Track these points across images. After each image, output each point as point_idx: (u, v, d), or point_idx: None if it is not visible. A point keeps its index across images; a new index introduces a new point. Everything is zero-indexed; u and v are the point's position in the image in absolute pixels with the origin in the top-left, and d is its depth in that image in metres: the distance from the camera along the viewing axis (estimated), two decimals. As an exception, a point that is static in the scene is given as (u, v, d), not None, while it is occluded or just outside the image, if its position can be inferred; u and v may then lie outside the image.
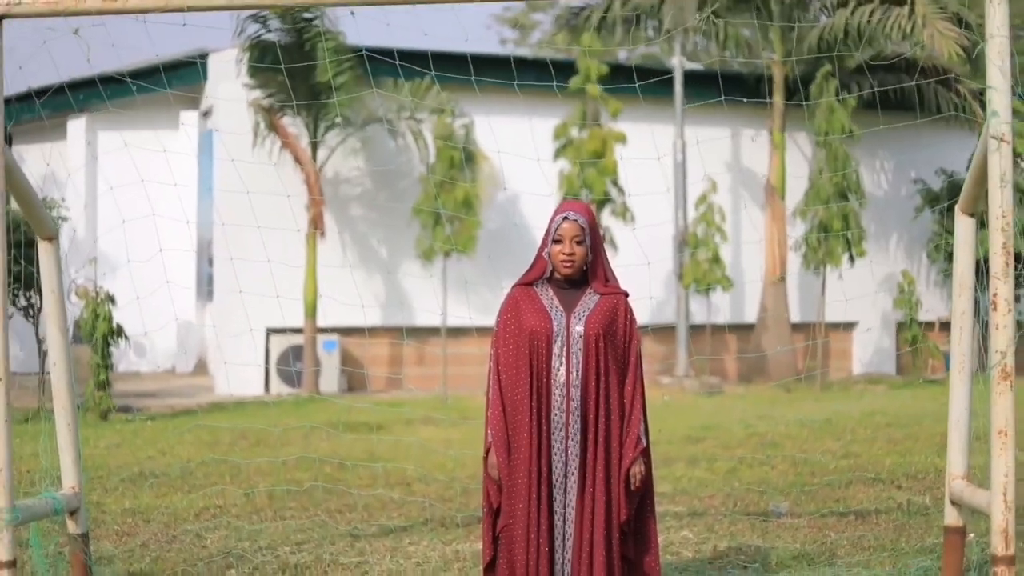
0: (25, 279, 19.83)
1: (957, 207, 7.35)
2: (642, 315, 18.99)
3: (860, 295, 24.52)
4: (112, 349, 19.41)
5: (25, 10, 6.48)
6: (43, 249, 7.19)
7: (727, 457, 13.15)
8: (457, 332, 22.20)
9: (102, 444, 15.09)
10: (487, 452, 5.82)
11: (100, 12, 6.44)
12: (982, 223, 16.63)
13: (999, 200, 6.26)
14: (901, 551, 8.07)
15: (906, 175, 27.00)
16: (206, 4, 6.67)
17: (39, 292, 19.44)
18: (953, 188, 25.28)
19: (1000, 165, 6.25)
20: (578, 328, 5.80)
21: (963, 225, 7.29)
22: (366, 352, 24.51)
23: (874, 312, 25.82)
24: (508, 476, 5.72)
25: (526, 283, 5.96)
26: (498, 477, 5.76)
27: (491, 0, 6.65)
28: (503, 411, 5.80)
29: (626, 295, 6.02)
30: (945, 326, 26.75)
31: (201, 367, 26.84)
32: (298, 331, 23.06)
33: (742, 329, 25.36)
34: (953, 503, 7.15)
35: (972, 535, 8.27)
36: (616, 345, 5.88)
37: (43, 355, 20.64)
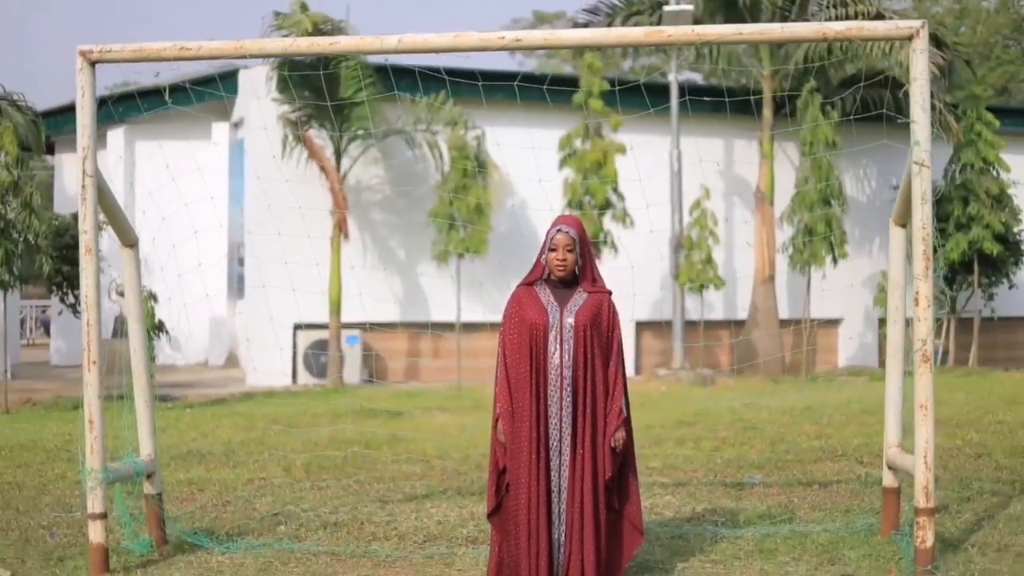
0: (76, 279, 20.78)
1: (891, 219, 8.37)
2: (641, 312, 20.13)
3: (840, 293, 25.48)
4: (153, 343, 20.25)
5: (114, 56, 7.56)
6: (125, 255, 8.27)
7: (712, 438, 14.09)
8: (470, 327, 22.86)
9: (124, 439, 16.05)
10: (496, 421, 6.90)
11: (177, 58, 7.51)
12: (958, 228, 18.00)
13: (920, 215, 7.30)
14: (852, 511, 9.08)
15: (888, 182, 27.72)
16: (262, 51, 7.76)
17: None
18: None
19: (921, 186, 7.30)
20: (569, 320, 6.88)
21: (895, 235, 8.31)
22: (386, 346, 25.07)
23: (858, 309, 26.59)
24: (513, 440, 6.81)
25: (527, 283, 7.06)
26: (505, 441, 6.84)
27: (502, 49, 7.60)
28: (509, 387, 6.89)
29: (610, 293, 7.10)
30: (924, 322, 27.70)
31: (232, 360, 27.59)
32: (323, 327, 23.63)
33: (735, 325, 26.07)
34: (889, 467, 8.22)
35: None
36: (601, 334, 6.95)
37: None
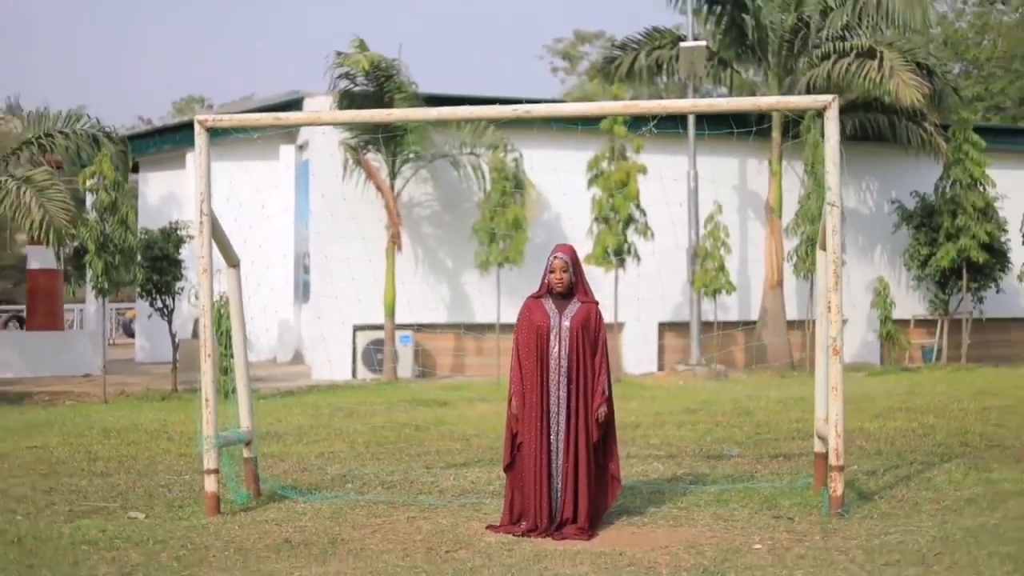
0: (162, 286, 22.67)
1: (817, 244, 10.28)
2: (663, 314, 22.24)
3: (845, 296, 27.11)
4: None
5: (224, 124, 9.63)
6: (229, 274, 10.32)
7: (709, 422, 15.92)
8: (509, 328, 24.25)
9: (228, 414, 17.94)
10: (510, 398, 8.92)
11: (272, 126, 9.56)
12: (948, 238, 20.01)
13: (831, 243, 9.25)
14: (800, 475, 11.01)
15: (888, 195, 29.33)
16: (335, 120, 9.78)
17: (172, 295, 22.47)
18: (925, 208, 27.98)
19: (831, 221, 9.24)
20: (566, 323, 8.89)
21: (821, 257, 10.16)
22: (435, 344, 26.60)
23: (861, 311, 28.19)
24: (522, 412, 8.82)
25: (535, 296, 9.08)
26: (516, 412, 8.86)
27: (517, 118, 9.55)
28: (520, 373, 8.90)
29: (596, 303, 9.10)
30: (919, 323, 29.40)
31: (297, 358, 29.31)
32: (379, 327, 25.22)
33: (747, 325, 27.71)
34: (818, 437, 10.16)
35: (855, 467, 11.33)
36: (589, 334, 8.94)
37: (175, 346, 23.49)
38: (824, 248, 9.79)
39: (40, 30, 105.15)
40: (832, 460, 9.19)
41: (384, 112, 9.36)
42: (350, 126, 24.55)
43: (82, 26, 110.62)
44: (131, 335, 40.87)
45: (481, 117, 9.34)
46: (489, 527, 8.85)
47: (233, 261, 10.31)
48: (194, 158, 9.66)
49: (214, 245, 9.94)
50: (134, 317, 40.00)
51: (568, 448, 8.79)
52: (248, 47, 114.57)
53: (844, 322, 9.51)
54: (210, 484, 9.51)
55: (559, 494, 8.77)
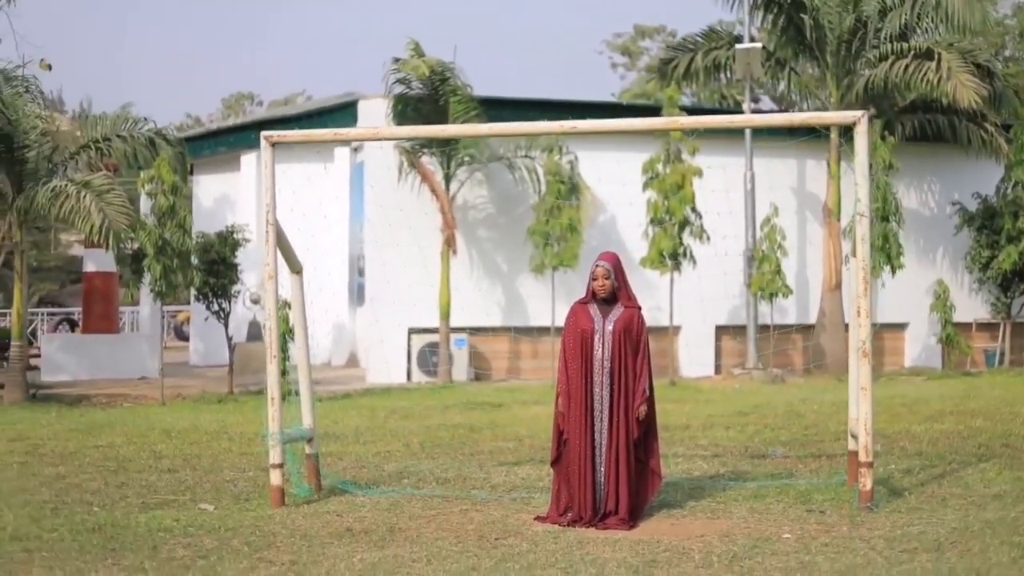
0: (219, 289, 23.79)
1: (849, 253, 11.15)
2: (720, 317, 23.28)
3: (907, 299, 27.95)
4: (288, 344, 22.86)
5: (288, 140, 10.66)
6: (293, 280, 11.36)
7: (758, 424, 16.81)
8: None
9: (286, 417, 18.97)
10: (558, 397, 9.92)
11: (332, 141, 10.60)
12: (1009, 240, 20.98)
13: (861, 251, 10.17)
14: (837, 473, 11.91)
15: (949, 197, 29.92)
16: (394, 136, 10.80)
17: (228, 299, 23.57)
18: (987, 210, 28.70)
19: (861, 230, 10.15)
20: (609, 327, 9.87)
21: (852, 263, 11.04)
22: (490, 347, 27.41)
23: (923, 314, 28.85)
24: (568, 410, 9.82)
25: (581, 302, 10.07)
26: (563, 411, 9.86)
27: (563, 134, 10.52)
28: (567, 374, 9.90)
29: (639, 308, 10.07)
30: (981, 327, 30.07)
31: (352, 360, 30.18)
32: (434, 331, 26.07)
33: (805, 329, 28.34)
34: (851, 436, 11.08)
35: (892, 466, 12.24)
36: (632, 337, 9.91)
37: (232, 349, 24.61)
38: (855, 255, 10.65)
39: (82, 24, 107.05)
40: (862, 457, 10.11)
41: (439, 128, 10.44)
42: (406, 128, 25.60)
43: (126, 21, 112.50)
44: (182, 338, 42.01)
45: (530, 133, 10.33)
46: (537, 518, 9.84)
47: (296, 268, 11.35)
48: (258, 169, 10.65)
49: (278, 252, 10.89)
50: (185, 320, 41.25)
51: (611, 444, 9.77)
52: (296, 43, 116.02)
53: (874, 326, 10.37)
54: (275, 478, 10.56)
55: (602, 487, 9.75)
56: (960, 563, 7.93)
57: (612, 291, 9.95)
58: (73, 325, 42.32)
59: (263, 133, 10.69)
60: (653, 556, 8.42)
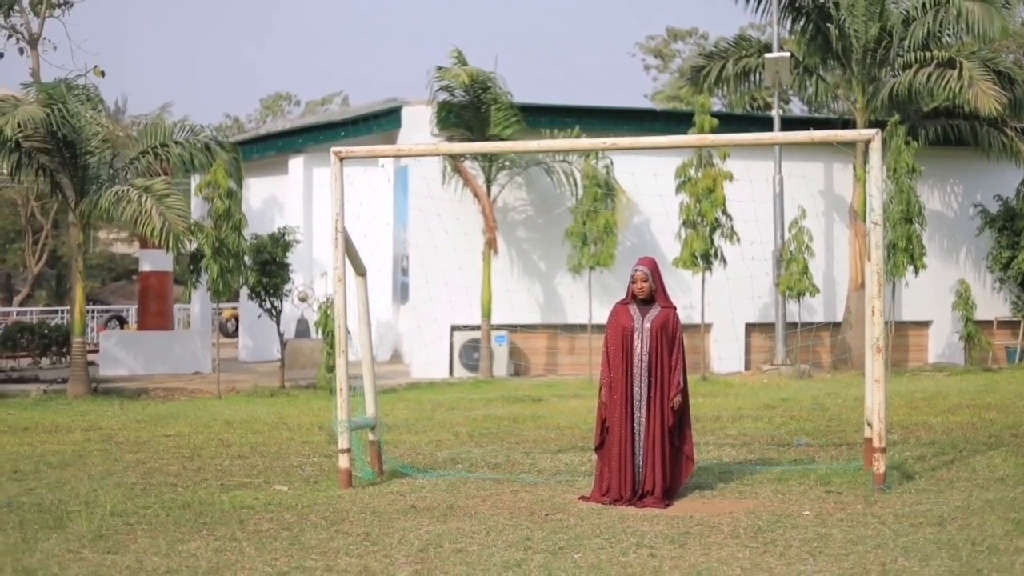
0: (271, 288, 24.84)
1: (864, 257, 12.09)
2: (750, 315, 24.29)
3: (931, 297, 28.79)
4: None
5: (355, 155, 11.67)
6: (358, 283, 12.38)
7: (784, 416, 17.74)
8: (601, 328, 25.65)
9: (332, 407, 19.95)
10: (600, 388, 10.94)
11: (394, 155, 11.61)
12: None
13: (876, 256, 11.12)
14: (855, 459, 12.87)
15: (972, 199, 30.79)
16: (450, 151, 11.80)
17: (280, 297, 24.61)
18: (1008, 212, 29.57)
19: (875, 237, 11.11)
20: (647, 325, 10.88)
21: (868, 267, 12.00)
22: (529, 344, 28.27)
23: (946, 312, 29.63)
24: (610, 400, 10.83)
25: (622, 302, 11.09)
26: (605, 400, 10.87)
27: (603, 149, 11.52)
28: (609, 368, 10.91)
29: (674, 308, 11.07)
30: (1002, 324, 30.91)
31: (395, 356, 30.99)
32: (476, 328, 27.03)
33: (832, 326, 29.14)
34: (867, 424, 12.04)
35: (908, 454, 13.19)
36: (668, 334, 10.92)
37: (283, 345, 25.68)
38: (870, 259, 11.60)
39: (123, 25, 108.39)
40: (876, 443, 11.08)
41: (493, 144, 11.50)
42: (449, 135, 26.53)
43: (166, 20, 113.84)
44: (226, 334, 43.03)
45: (576, 149, 11.32)
46: (581, 498, 10.85)
47: (361, 271, 12.38)
48: (330, 182, 11.60)
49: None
50: (230, 318, 42.30)
51: (649, 432, 10.76)
52: (331, 44, 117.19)
53: (892, 323, 11.30)
54: (344, 461, 11.60)
55: (641, 470, 10.74)
56: (959, 535, 8.88)
57: (650, 293, 10.95)
58: (122, 322, 43.49)
59: (332, 149, 11.67)
60: (686, 529, 9.40)
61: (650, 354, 10.83)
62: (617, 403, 10.81)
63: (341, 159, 11.64)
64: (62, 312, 44.69)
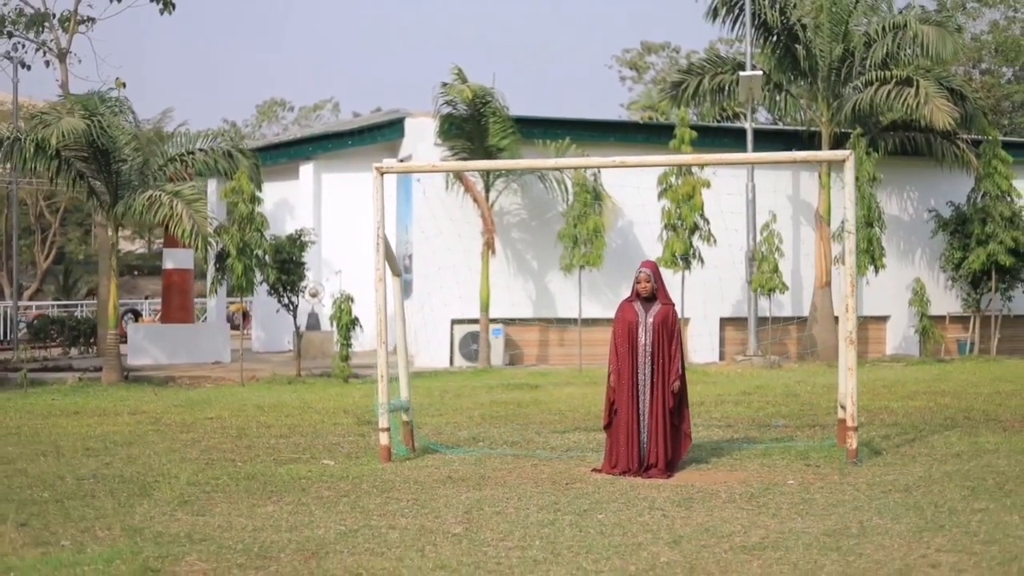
0: (289, 285, 25.66)
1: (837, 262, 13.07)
2: (724, 311, 25.33)
3: (889, 294, 29.78)
4: (352, 333, 24.11)
5: (395, 170, 12.61)
6: (394, 282, 13.32)
7: (761, 402, 18.72)
8: (589, 322, 27.01)
9: (356, 395, 20.62)
10: (609, 375, 11.93)
11: (429, 171, 12.53)
12: (979, 243, 23.00)
13: (849, 261, 12.10)
14: (829, 437, 13.86)
15: (927, 205, 31.95)
16: (475, 167, 12.71)
17: (296, 293, 25.47)
18: (959, 216, 30.65)
19: (848, 244, 12.09)
20: (650, 320, 11.86)
21: (841, 270, 12.98)
22: (523, 336, 29.19)
23: (903, 308, 30.66)
24: (618, 385, 11.81)
25: (628, 300, 12.07)
26: (613, 385, 11.85)
27: (599, 166, 12.42)
28: (616, 356, 11.89)
29: (674, 305, 12.06)
30: (954, 319, 31.97)
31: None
32: (475, 321, 27.88)
33: (799, 321, 30.27)
34: (840, 406, 13.03)
35: (874, 433, 14.19)
36: (668, 328, 11.89)
37: (299, 337, 26.55)
38: (844, 263, 12.58)
39: (135, 37, 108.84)
40: (848, 423, 12.07)
41: (511, 162, 12.41)
42: (451, 146, 27.35)
43: (169, 30, 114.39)
44: (234, 327, 43.74)
45: (582, 166, 12.27)
46: (593, 470, 11.82)
47: (397, 271, 13.32)
48: (372, 193, 12.44)
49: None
50: (236, 311, 43.06)
51: (652, 412, 11.73)
52: (323, 52, 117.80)
53: (860, 319, 12.25)
54: (384, 439, 12.54)
55: (646, 445, 11.71)
56: (924, 499, 9.89)
57: (652, 292, 11.92)
58: (137, 316, 44.29)
59: (374, 165, 12.60)
60: (689, 495, 10.39)
61: (653, 345, 11.79)
62: (624, 388, 11.78)
63: (382, 174, 12.55)
64: (82, 306, 45.44)
